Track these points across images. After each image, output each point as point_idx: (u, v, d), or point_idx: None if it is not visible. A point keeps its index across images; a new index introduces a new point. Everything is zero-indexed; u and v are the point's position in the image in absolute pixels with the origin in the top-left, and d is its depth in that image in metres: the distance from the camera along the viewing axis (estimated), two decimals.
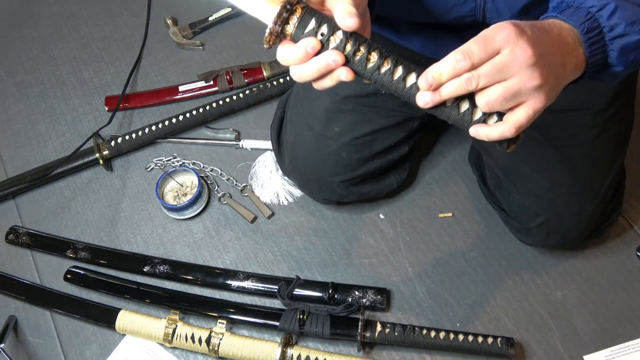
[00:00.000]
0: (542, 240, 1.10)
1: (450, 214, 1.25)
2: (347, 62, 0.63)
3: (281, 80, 1.44)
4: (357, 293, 1.13)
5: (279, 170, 1.30)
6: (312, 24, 0.62)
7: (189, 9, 1.65)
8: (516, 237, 1.16)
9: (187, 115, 1.40)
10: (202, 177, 1.32)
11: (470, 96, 0.65)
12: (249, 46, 1.56)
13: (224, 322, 1.12)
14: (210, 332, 1.10)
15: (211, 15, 1.60)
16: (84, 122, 1.48)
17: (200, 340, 1.09)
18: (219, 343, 1.09)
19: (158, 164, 1.38)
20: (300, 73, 0.63)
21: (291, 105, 1.20)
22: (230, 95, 1.43)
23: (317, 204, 1.28)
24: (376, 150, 1.12)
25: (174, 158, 1.38)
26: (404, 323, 1.09)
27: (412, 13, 0.94)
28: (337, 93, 1.10)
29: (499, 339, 1.04)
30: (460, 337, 1.05)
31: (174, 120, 1.40)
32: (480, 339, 1.04)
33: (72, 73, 1.57)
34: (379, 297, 1.13)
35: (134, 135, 1.38)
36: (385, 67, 0.64)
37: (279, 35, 0.63)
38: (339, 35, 0.62)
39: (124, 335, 1.15)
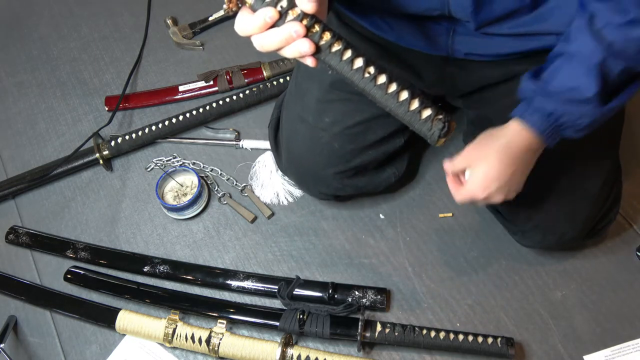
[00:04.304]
0: (539, 241, 1.09)
1: (450, 214, 1.25)
2: (305, 36, 0.65)
3: (281, 80, 1.44)
4: (357, 293, 1.13)
5: (279, 170, 1.30)
6: None
7: (189, 9, 1.65)
8: (514, 239, 1.16)
9: (187, 115, 1.40)
10: (202, 177, 1.32)
11: (409, 88, 0.68)
12: (249, 46, 1.53)
13: (224, 322, 1.12)
14: (210, 332, 1.10)
15: (211, 15, 1.60)
16: (84, 122, 1.48)
17: (200, 340, 1.09)
18: (219, 343, 1.09)
19: (158, 164, 1.38)
20: (262, 42, 0.66)
21: (285, 102, 1.21)
22: (230, 95, 1.43)
23: (317, 204, 1.28)
24: (370, 141, 1.12)
25: (174, 158, 1.38)
26: (404, 323, 1.09)
27: (382, 3, 0.95)
28: (323, 80, 1.10)
29: (499, 339, 1.04)
30: (460, 337, 1.05)
31: (174, 120, 1.40)
32: (480, 339, 1.05)
33: (72, 73, 1.57)
34: (379, 297, 1.13)
35: (134, 135, 1.38)
36: (336, 48, 0.66)
37: (239, 2, 0.65)
38: (297, 10, 0.64)
39: (124, 335, 1.15)
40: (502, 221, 1.16)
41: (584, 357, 1.08)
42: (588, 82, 0.77)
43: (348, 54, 0.67)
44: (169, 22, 1.60)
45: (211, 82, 1.48)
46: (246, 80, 1.47)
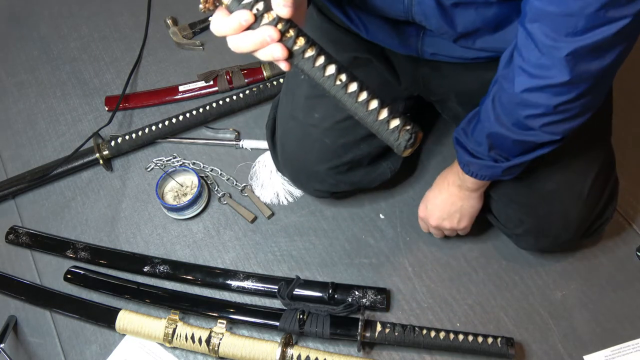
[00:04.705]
0: (533, 244, 1.09)
1: None
2: (280, 40, 0.66)
3: (281, 80, 1.44)
4: (357, 293, 1.13)
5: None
6: None
7: (189, 9, 1.65)
8: (512, 242, 1.16)
9: (187, 115, 1.40)
10: (202, 177, 1.32)
11: (379, 97, 0.69)
12: None
13: (224, 322, 1.12)
14: (210, 332, 1.10)
15: (211, 15, 1.60)
16: (84, 122, 1.48)
17: (200, 340, 1.09)
18: (219, 343, 1.09)
19: (158, 164, 1.38)
20: (237, 43, 0.66)
21: (279, 102, 1.21)
22: (230, 95, 1.43)
23: (317, 204, 1.28)
24: (361, 135, 1.11)
25: (174, 158, 1.38)
26: (404, 323, 1.09)
27: (354, 8, 0.97)
28: None
29: (499, 339, 1.04)
30: (460, 337, 1.05)
31: (174, 120, 1.40)
32: (480, 339, 1.05)
33: (72, 73, 1.57)
34: (379, 297, 1.13)
35: (134, 135, 1.38)
36: (309, 54, 0.67)
37: (216, 1, 0.65)
38: (272, 14, 0.64)
39: (124, 335, 1.15)
40: (497, 225, 1.15)
41: (584, 357, 1.08)
42: (483, 144, 0.89)
43: (321, 60, 0.67)
44: (169, 22, 1.60)
45: (211, 82, 1.48)
46: (246, 80, 1.47)
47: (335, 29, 1.08)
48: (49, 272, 1.26)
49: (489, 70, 0.97)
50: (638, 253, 1.18)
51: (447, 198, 1.06)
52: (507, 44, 0.83)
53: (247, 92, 1.43)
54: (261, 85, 1.44)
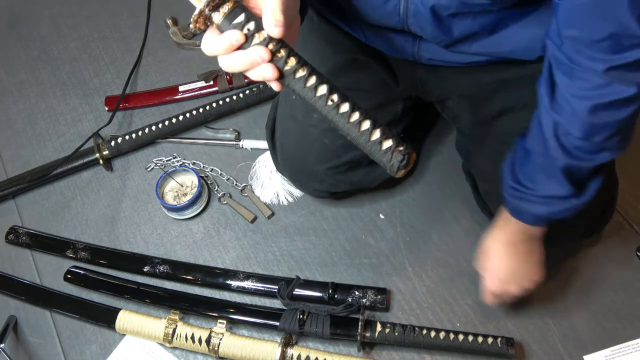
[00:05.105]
0: None
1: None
2: (271, 60, 0.65)
3: None
4: (357, 293, 1.13)
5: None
6: (241, 18, 0.63)
7: (189, 9, 1.62)
8: None
9: (187, 115, 1.40)
10: (202, 177, 1.32)
11: (371, 118, 0.68)
12: None
13: (224, 322, 1.12)
14: (210, 332, 1.10)
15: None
16: (84, 122, 1.48)
17: (200, 340, 1.09)
18: (219, 343, 1.09)
19: (158, 164, 1.38)
20: (228, 63, 0.66)
21: (278, 102, 1.21)
22: (230, 95, 1.43)
23: (317, 204, 1.28)
24: None
25: (174, 158, 1.38)
26: (404, 323, 1.09)
27: (350, 16, 0.97)
28: None
29: (499, 339, 1.04)
30: (460, 337, 1.05)
31: (174, 120, 1.40)
32: (480, 339, 1.05)
33: (72, 73, 1.57)
34: (379, 297, 1.13)
35: (134, 135, 1.38)
36: (301, 74, 0.66)
37: (207, 20, 0.65)
38: (263, 34, 0.64)
39: (124, 335, 1.15)
40: None
41: (584, 357, 1.08)
42: (562, 185, 0.84)
43: (312, 80, 0.66)
44: (169, 22, 1.60)
45: (211, 82, 1.48)
46: (246, 80, 1.47)
47: (334, 31, 1.08)
48: (49, 272, 1.26)
49: (486, 73, 0.97)
50: (638, 253, 1.18)
51: (522, 258, 0.98)
52: (502, 47, 0.83)
53: (247, 92, 1.43)
54: (261, 85, 1.44)
